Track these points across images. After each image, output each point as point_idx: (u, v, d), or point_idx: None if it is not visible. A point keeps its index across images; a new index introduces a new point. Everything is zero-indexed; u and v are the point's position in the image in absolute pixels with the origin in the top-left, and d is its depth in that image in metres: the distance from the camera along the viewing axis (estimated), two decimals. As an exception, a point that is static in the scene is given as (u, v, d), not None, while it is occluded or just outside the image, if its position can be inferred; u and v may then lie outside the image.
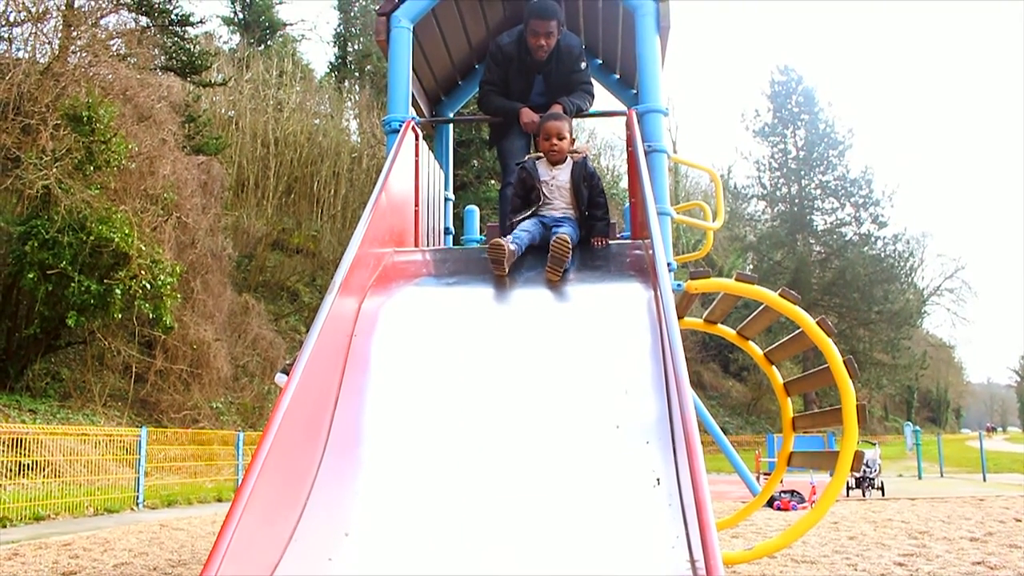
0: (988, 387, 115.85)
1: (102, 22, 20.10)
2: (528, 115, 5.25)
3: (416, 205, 5.24)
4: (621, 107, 6.80)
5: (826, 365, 4.94)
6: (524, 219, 4.48)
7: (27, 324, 16.40)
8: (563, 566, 2.60)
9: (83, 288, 15.05)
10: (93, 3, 19.65)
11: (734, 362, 46.40)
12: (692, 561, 2.47)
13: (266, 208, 30.25)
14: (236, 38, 38.81)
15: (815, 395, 36.48)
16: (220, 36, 37.69)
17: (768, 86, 49.87)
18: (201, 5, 42.34)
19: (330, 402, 3.35)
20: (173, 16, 21.43)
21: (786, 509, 12.41)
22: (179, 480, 15.26)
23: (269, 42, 39.31)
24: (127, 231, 15.66)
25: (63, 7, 18.89)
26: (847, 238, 46.67)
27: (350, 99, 40.04)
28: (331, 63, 42.82)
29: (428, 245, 5.52)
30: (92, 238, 15.15)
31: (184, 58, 22.05)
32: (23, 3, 18.26)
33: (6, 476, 11.34)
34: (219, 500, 14.48)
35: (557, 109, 5.23)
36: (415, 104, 6.13)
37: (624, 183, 39.23)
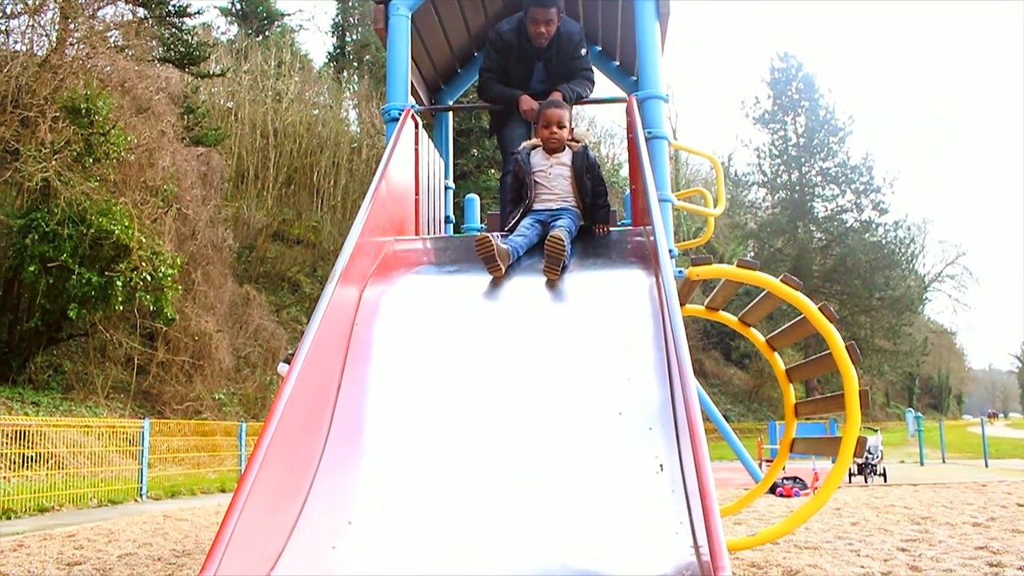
0: (990, 373, 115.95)
1: (99, 14, 20.03)
2: (528, 102, 5.23)
3: (416, 193, 5.23)
4: (621, 94, 6.78)
5: (828, 351, 4.93)
6: (519, 219, 4.41)
7: (28, 317, 16.41)
8: (567, 553, 2.60)
9: (84, 280, 15.06)
10: (90, -6, 19.59)
11: (735, 350, 46.41)
12: (696, 547, 2.47)
13: (266, 199, 30.21)
14: (234, 29, 38.73)
15: (817, 382, 36.50)
16: (218, 27, 37.64)
17: (768, 73, 49.70)
18: (199, -4, 42.30)
19: (332, 391, 3.35)
20: (170, 7, 21.33)
21: (788, 496, 12.42)
22: (182, 471, 15.29)
23: (267, 33, 39.20)
24: (127, 223, 15.66)
25: (60, -1, 18.83)
26: (848, 225, 46.57)
27: (349, 89, 39.98)
28: (329, 53, 42.75)
29: (429, 234, 5.51)
30: (92, 230, 15.14)
31: (182, 49, 21.97)
32: (20, -5, 18.20)
33: (10, 468, 11.36)
34: (222, 491, 14.51)
35: (557, 96, 5.21)
36: (414, 93, 6.11)
37: (624, 171, 39.19)
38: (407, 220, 4.98)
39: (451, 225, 6.48)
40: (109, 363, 19.32)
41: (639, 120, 4.84)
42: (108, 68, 18.50)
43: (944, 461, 21.91)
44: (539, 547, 2.63)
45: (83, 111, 15.45)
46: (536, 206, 4.44)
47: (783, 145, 48.52)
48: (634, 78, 6.71)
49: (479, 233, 3.96)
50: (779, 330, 5.89)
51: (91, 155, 15.68)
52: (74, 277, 15.00)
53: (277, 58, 33.96)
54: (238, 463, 16.69)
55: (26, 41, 18.87)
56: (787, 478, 12.97)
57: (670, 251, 4.63)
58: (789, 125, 48.49)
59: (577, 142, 4.52)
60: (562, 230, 3.98)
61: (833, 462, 4.98)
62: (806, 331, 5.23)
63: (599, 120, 56.87)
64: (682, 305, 5.38)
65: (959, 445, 26.94)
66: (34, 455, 12.10)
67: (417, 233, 5.15)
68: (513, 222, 4.44)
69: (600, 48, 7.01)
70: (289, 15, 42.20)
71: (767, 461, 16.57)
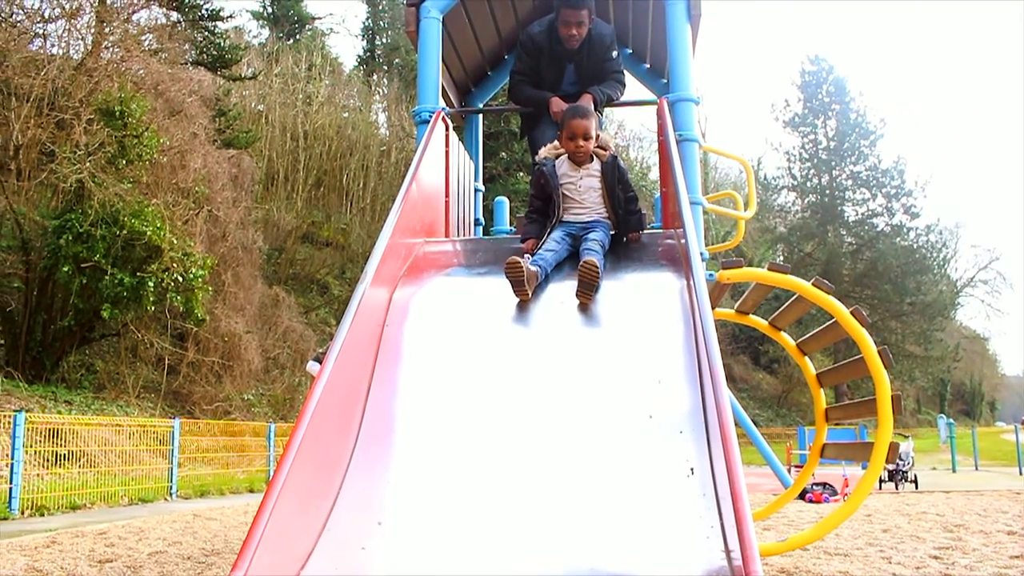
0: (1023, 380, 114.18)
1: (134, 18, 20.32)
2: (558, 104, 5.22)
3: (447, 196, 5.23)
4: (652, 96, 6.75)
5: (860, 356, 4.88)
6: (549, 231, 4.23)
7: (62, 316, 16.65)
8: (596, 555, 2.59)
9: (116, 281, 15.25)
10: (125, -1, 19.85)
11: (764, 354, 46.06)
12: (727, 551, 2.45)
13: (296, 201, 30.42)
14: (265, 32, 39.08)
15: (847, 387, 36.14)
16: (250, 30, 38.03)
17: (798, 76, 49.32)
18: (231, 0, 42.70)
19: (362, 391, 3.36)
20: (204, 11, 21.58)
21: (818, 501, 12.31)
22: (211, 471, 15.41)
23: (298, 36, 39.53)
24: (159, 224, 15.84)
25: (96, 3, 19.08)
26: (879, 229, 46.08)
27: (378, 92, 40.20)
28: (359, 56, 43.02)
29: (459, 236, 5.51)
30: (125, 231, 15.33)
31: (214, 52, 22.21)
32: (57, 0, 18.47)
33: (43, 466, 11.51)
34: (251, 491, 14.61)
35: (587, 99, 5.18)
36: (445, 95, 6.11)
37: (654, 174, 39.07)
38: (437, 222, 4.99)
39: (481, 227, 6.48)
40: (140, 363, 19.54)
41: (670, 123, 4.81)
42: (142, 71, 18.74)
43: (977, 468, 21.61)
44: (568, 549, 2.62)
45: (117, 113, 15.66)
46: (566, 217, 4.27)
47: (813, 148, 48.12)
48: (665, 80, 6.68)
49: (510, 257, 3.68)
50: (810, 334, 5.85)
51: (124, 157, 15.88)
52: (107, 277, 15.19)
53: (308, 61, 34.21)
54: (267, 464, 16.81)
55: (62, 45, 19.19)
56: (817, 484, 12.86)
57: (700, 254, 4.60)
58: (819, 128, 48.10)
59: (605, 150, 4.32)
60: (595, 255, 3.82)
61: (864, 468, 4.93)
62: (837, 335, 5.19)
63: (628, 123, 56.76)
64: (712, 308, 5.36)
65: (992, 452, 26.55)
66: (66, 453, 12.26)
67: (447, 235, 5.15)
68: (533, 227, 4.34)
69: (631, 50, 6.99)
70: (320, 19, 42.60)
71: (796, 467, 16.44)
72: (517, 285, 3.68)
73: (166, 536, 8.15)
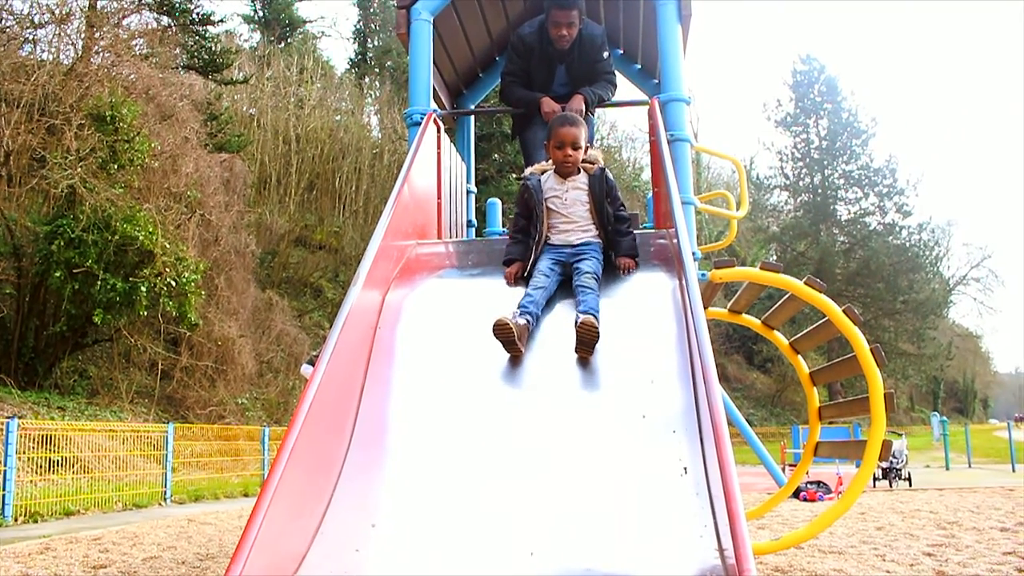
0: (1016, 377, 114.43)
1: (124, 22, 20.28)
2: (549, 104, 5.23)
3: (439, 197, 5.24)
4: (643, 97, 6.76)
5: (853, 354, 4.89)
6: (534, 260, 3.92)
7: (54, 322, 16.60)
8: (591, 555, 2.59)
9: (109, 286, 15.21)
10: (115, 4, 19.83)
11: (758, 354, 46.14)
12: (721, 550, 2.45)
13: (288, 205, 30.39)
14: (256, 36, 39.07)
15: (840, 386, 36.24)
16: (241, 34, 37.97)
17: (790, 76, 49.46)
18: (222, 4, 42.87)
19: (355, 394, 3.36)
20: (194, 15, 21.58)
21: (812, 500, 12.34)
22: (206, 475, 15.38)
23: (289, 39, 39.49)
24: (151, 229, 15.80)
25: (86, 8, 19.06)
26: (871, 228, 46.21)
27: (370, 95, 40.17)
28: (351, 59, 42.98)
29: (451, 238, 5.51)
30: (117, 236, 15.30)
31: (205, 57, 22.19)
32: (47, 5, 18.44)
33: (36, 472, 11.47)
34: (245, 495, 14.58)
35: (579, 99, 5.19)
36: (436, 97, 6.12)
37: (646, 174, 39.12)
38: (429, 224, 4.99)
39: (473, 229, 6.48)
40: (133, 368, 19.49)
41: (661, 123, 4.82)
42: (133, 76, 18.71)
43: (970, 465, 21.67)
44: (563, 549, 2.62)
45: (108, 118, 15.63)
46: (554, 239, 3.98)
47: (805, 148, 48.25)
48: (656, 81, 6.70)
49: (499, 319, 3.33)
50: (803, 333, 5.86)
51: (116, 162, 15.85)
52: (99, 283, 15.15)
53: (299, 65, 34.18)
54: (261, 467, 16.77)
55: (53, 50, 19.14)
56: (811, 482, 12.89)
57: (693, 254, 4.61)
58: (811, 128, 48.23)
59: (592, 164, 4.08)
60: (591, 304, 3.49)
61: (858, 466, 4.94)
62: (830, 334, 5.20)
63: (620, 124, 56.88)
64: (705, 308, 5.37)
65: (985, 449, 26.63)
66: (60, 459, 12.22)
67: (439, 237, 5.16)
68: (530, 257, 3.97)
69: (622, 51, 7.01)
70: (311, 22, 42.54)
71: (790, 465, 16.47)
72: (509, 345, 3.37)
73: (161, 541, 8.12)
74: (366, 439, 3.20)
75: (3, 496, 10.23)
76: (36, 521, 10.32)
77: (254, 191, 28.11)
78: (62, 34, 19.05)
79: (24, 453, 11.11)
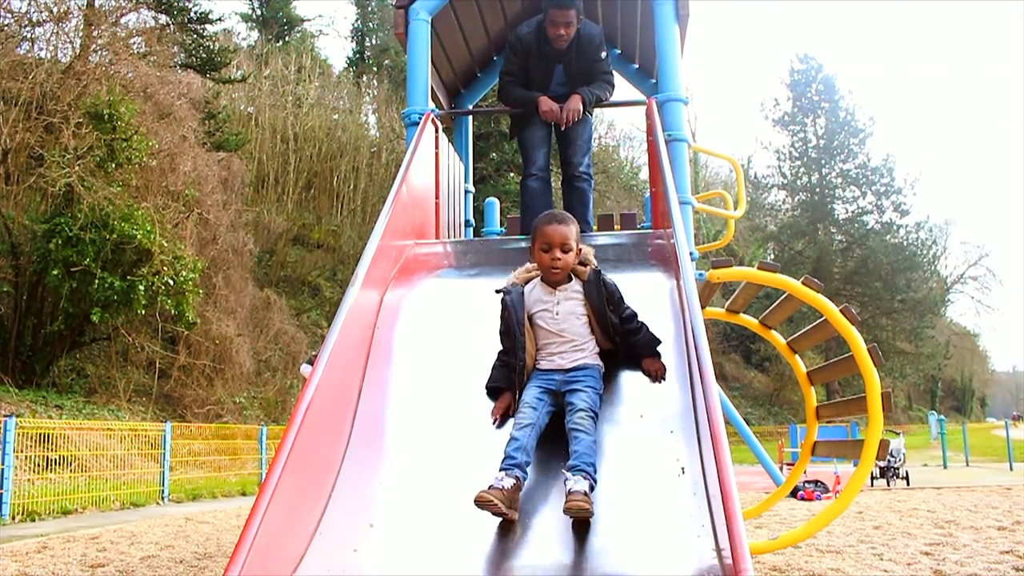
0: (1014, 375, 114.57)
1: (122, 21, 20.29)
2: (546, 103, 5.23)
3: (437, 197, 5.24)
4: (641, 97, 6.77)
5: (850, 353, 4.90)
6: (519, 392, 3.18)
7: (52, 321, 16.60)
8: (588, 554, 2.59)
9: (106, 285, 15.21)
10: (113, 2, 19.85)
11: (756, 353, 46.18)
12: (718, 550, 2.46)
13: (286, 203, 30.38)
14: (254, 35, 39.04)
15: (838, 385, 36.28)
16: (239, 33, 37.98)
17: (787, 75, 49.48)
18: (220, 2, 42.77)
19: (354, 394, 3.36)
20: (192, 14, 21.55)
21: (810, 499, 12.35)
22: (203, 474, 15.39)
23: (287, 38, 39.49)
24: (149, 228, 15.81)
25: (84, 7, 19.05)
26: (869, 227, 46.25)
27: (368, 94, 40.16)
28: (349, 58, 42.98)
29: (449, 237, 5.52)
30: (114, 235, 15.30)
31: (203, 55, 22.17)
32: (45, 3, 18.42)
33: (34, 471, 11.47)
34: (243, 494, 14.59)
35: (577, 99, 5.18)
36: (434, 97, 6.12)
37: (643, 174, 39.12)
38: (427, 224, 4.99)
39: (471, 229, 6.49)
40: (131, 367, 19.49)
41: (659, 123, 4.83)
42: (130, 74, 18.71)
43: (968, 464, 21.71)
44: (560, 549, 2.63)
45: (106, 117, 15.62)
46: (543, 364, 3.24)
47: (803, 147, 48.27)
48: (653, 80, 6.70)
49: (480, 493, 2.69)
50: (800, 332, 5.87)
51: (113, 160, 15.85)
52: (96, 281, 15.15)
53: (297, 63, 34.17)
54: (259, 467, 16.78)
55: (50, 48, 19.15)
56: (808, 482, 12.91)
57: (690, 254, 4.62)
58: (809, 127, 48.24)
59: (586, 266, 3.37)
60: (584, 481, 2.72)
61: (855, 465, 4.95)
62: (827, 333, 5.21)
63: (618, 123, 56.89)
64: (702, 308, 5.37)
65: (983, 448, 26.67)
66: (57, 458, 12.22)
67: (437, 237, 5.16)
68: (516, 385, 3.23)
69: (620, 51, 7.01)
70: (309, 20, 42.55)
71: (788, 465, 16.48)
72: (498, 515, 2.73)
73: (158, 540, 8.13)
74: (364, 439, 3.20)
75: (1, 495, 10.22)
76: (34, 520, 10.32)
77: (252, 190, 28.11)
78: (60, 32, 19.07)
79: (22, 451, 11.11)
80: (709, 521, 2.59)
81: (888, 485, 15.16)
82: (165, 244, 16.26)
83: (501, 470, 2.80)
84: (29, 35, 18.70)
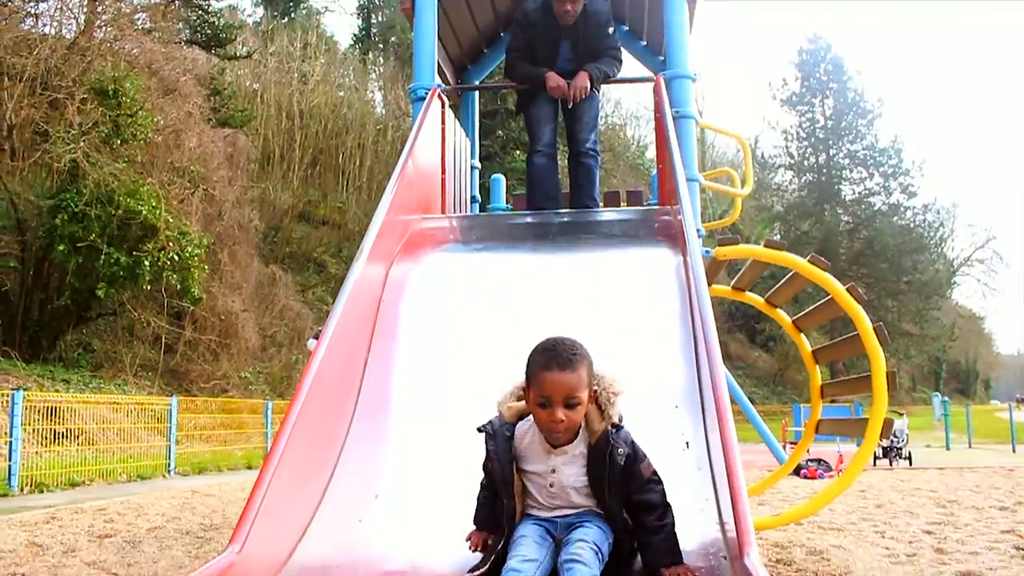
0: (1018, 358, 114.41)
1: (127, -4, 20.18)
2: (553, 79, 5.20)
3: (443, 172, 5.23)
4: (648, 74, 6.74)
5: (856, 333, 4.90)
6: (504, 538, 2.47)
7: (58, 296, 16.65)
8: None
9: (112, 260, 15.24)
10: (118, -23, 19.73)
11: (761, 333, 46.20)
12: (722, 523, 2.47)
13: (292, 180, 30.36)
14: (260, 11, 38.89)
15: (842, 366, 36.26)
16: (244, 9, 37.81)
17: (796, 54, 49.25)
18: (225, -22, 42.55)
19: (359, 367, 3.37)
20: (197, -10, 21.47)
21: (813, 477, 12.39)
22: (209, 448, 15.47)
23: (293, 15, 39.29)
24: (154, 203, 15.81)
25: (88, -19, 18.98)
26: (876, 208, 46.15)
27: (374, 71, 40.02)
28: (355, 35, 42.81)
29: (455, 213, 5.51)
30: (120, 211, 15.31)
31: (208, 31, 22.11)
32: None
33: (42, 444, 11.55)
34: (249, 468, 14.67)
35: (584, 76, 5.14)
36: (440, 72, 6.09)
37: (650, 153, 38.99)
38: (433, 199, 4.99)
39: (477, 205, 6.48)
40: (137, 342, 19.56)
41: (667, 100, 4.81)
42: (135, 50, 18.66)
43: (970, 446, 21.72)
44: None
45: (111, 92, 15.58)
46: (536, 513, 2.51)
47: (810, 127, 48.08)
48: (661, 58, 6.65)
49: None
50: (806, 311, 5.86)
51: (119, 136, 15.83)
52: (102, 257, 15.18)
53: (303, 40, 34.01)
54: (264, 441, 16.86)
55: (55, 24, 19.09)
56: (812, 460, 12.94)
57: (697, 231, 4.61)
58: (817, 107, 48.04)
59: (602, 418, 2.44)
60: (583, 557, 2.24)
61: (858, 444, 4.96)
62: (833, 312, 5.20)
63: (625, 101, 56.65)
64: (708, 285, 5.37)
65: (986, 430, 26.67)
66: (65, 431, 12.30)
67: (443, 212, 5.15)
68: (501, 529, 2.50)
69: (627, 27, 6.96)
70: (315, -3, 42.24)
71: (792, 443, 16.51)
72: None
73: (165, 512, 8.19)
74: (369, 412, 3.22)
75: (9, 467, 10.31)
76: (42, 491, 10.40)
77: (257, 166, 28.08)
78: (64, 8, 19.03)
79: (29, 425, 11.18)
80: (713, 495, 2.60)
81: (891, 465, 15.19)
82: (171, 220, 16.26)
83: None
84: (33, 10, 18.65)
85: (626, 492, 2.38)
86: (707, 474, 2.71)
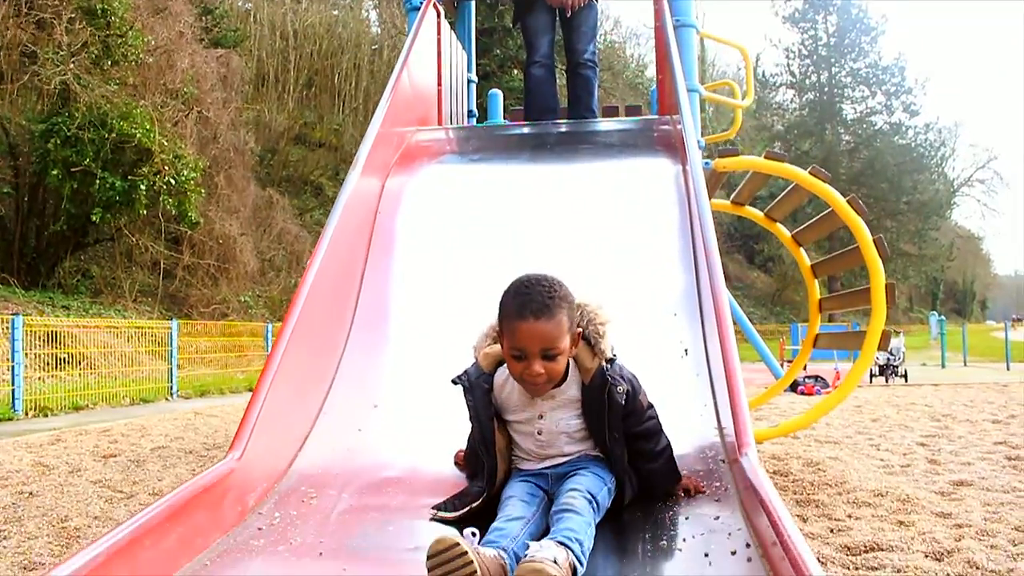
0: (1016, 279, 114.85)
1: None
2: (551, -15, 5.05)
3: (439, 85, 5.13)
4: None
5: (856, 245, 4.87)
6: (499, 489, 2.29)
7: (54, 222, 16.54)
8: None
9: (107, 185, 15.11)
10: None
11: (759, 253, 46.26)
12: (720, 429, 2.48)
13: (287, 102, 29.94)
14: (250, -74, 37.77)
15: (840, 286, 36.39)
16: (233, -76, 36.68)
17: (800, -31, 48.13)
18: None
19: (356, 278, 3.35)
20: (185, -98, 20.83)
21: (810, 394, 12.52)
22: (210, 371, 15.57)
23: (284, -71, 38.22)
24: (148, 126, 15.60)
25: None
26: (877, 127, 45.72)
27: (369, -11, 39.10)
28: (348, -49, 41.67)
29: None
30: (114, 134, 15.11)
31: (197, -54, 21.54)
32: None
33: (44, 369, 11.62)
34: (250, 390, 14.73)
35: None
36: (436, -15, 5.93)
37: (650, 71, 38.39)
38: (430, 112, 4.90)
39: (474, 119, 6.38)
40: (136, 267, 19.53)
41: (667, 8, 4.69)
42: (123, -33, 18.16)
43: (966, 364, 21.93)
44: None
45: (99, 12, 15.25)
46: (524, 467, 2.33)
47: (813, 45, 47.31)
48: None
49: (436, 540, 1.81)
50: (805, 224, 5.84)
51: (109, 57, 15.55)
52: (97, 182, 15.04)
53: (295, -44, 33.17)
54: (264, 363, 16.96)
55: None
56: (809, 377, 13.08)
57: (697, 142, 4.54)
58: (820, 24, 47.19)
59: (594, 355, 2.28)
60: (553, 558, 1.79)
61: (855, 359, 4.98)
62: (833, 225, 5.17)
63: (624, 20, 55.66)
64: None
65: (981, 349, 26.89)
66: (67, 356, 12.36)
67: (440, 125, 5.08)
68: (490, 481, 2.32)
69: (626, -65, 6.77)
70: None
71: (788, 361, 16.64)
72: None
73: (168, 432, 8.27)
74: (367, 322, 3.20)
75: (12, 391, 10.38)
76: (46, 415, 10.49)
77: (252, 88, 27.66)
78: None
79: (31, 350, 11.23)
80: (712, 401, 2.61)
81: (887, 382, 15.35)
82: (165, 143, 16.06)
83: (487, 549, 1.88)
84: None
85: (626, 428, 2.26)
86: (705, 380, 2.71)
